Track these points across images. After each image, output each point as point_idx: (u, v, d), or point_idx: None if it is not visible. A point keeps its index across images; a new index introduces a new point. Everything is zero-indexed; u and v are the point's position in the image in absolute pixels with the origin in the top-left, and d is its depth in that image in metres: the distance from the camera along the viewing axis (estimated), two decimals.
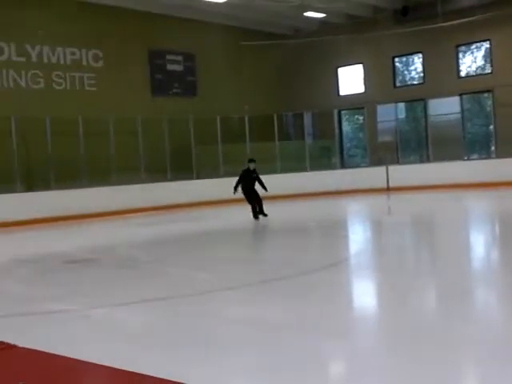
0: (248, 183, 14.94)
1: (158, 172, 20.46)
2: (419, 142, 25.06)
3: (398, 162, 23.84)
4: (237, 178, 14.98)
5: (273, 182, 21.37)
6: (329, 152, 24.86)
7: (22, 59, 19.74)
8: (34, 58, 20.03)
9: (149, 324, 5.57)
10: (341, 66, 26.22)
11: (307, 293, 6.48)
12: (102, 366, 1.78)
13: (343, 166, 25.36)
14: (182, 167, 21.56)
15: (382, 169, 22.53)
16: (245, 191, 14.93)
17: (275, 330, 4.97)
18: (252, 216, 14.80)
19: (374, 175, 22.47)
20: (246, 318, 5.54)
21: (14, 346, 2.03)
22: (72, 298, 6.92)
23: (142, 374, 1.66)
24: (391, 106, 24.42)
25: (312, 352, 4.35)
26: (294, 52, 26.40)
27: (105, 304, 6.48)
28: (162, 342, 4.83)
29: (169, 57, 23.46)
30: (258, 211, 14.86)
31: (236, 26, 24.64)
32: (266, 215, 14.93)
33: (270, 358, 4.22)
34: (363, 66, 25.64)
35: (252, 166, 15.08)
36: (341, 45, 25.38)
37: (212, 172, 21.63)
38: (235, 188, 14.84)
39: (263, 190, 15.14)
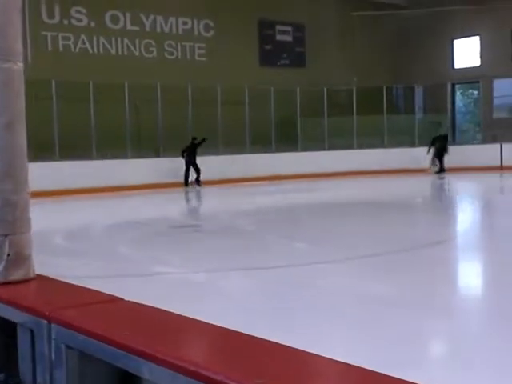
0: (191, 155, 17.74)
1: (262, 143, 20.54)
2: None
3: None
4: None
5: (378, 157, 21.21)
6: (439, 127, 23.96)
7: (136, 28, 20.29)
8: (147, 28, 20.54)
9: (250, 291, 5.60)
10: (457, 38, 25.09)
11: (411, 269, 6.33)
12: (209, 323, 1.80)
13: (454, 142, 24.40)
14: (286, 139, 21.52)
15: (496, 146, 21.44)
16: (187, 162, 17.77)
17: (376, 304, 4.86)
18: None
19: (486, 153, 21.45)
20: (348, 290, 5.45)
21: (121, 299, 2.11)
22: (175, 262, 7.09)
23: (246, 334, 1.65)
24: (509, 80, 23.13)
25: (413, 330, 4.22)
26: (408, 23, 25.45)
27: (206, 269, 6.58)
28: (262, 308, 4.85)
29: (278, 27, 23.34)
30: (196, 180, 17.85)
31: None
32: (200, 185, 17.73)
33: (369, 332, 4.13)
34: (480, 39, 24.39)
35: (196, 141, 17.83)
36: (457, 16, 24.22)
37: (317, 144, 21.45)
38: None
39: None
